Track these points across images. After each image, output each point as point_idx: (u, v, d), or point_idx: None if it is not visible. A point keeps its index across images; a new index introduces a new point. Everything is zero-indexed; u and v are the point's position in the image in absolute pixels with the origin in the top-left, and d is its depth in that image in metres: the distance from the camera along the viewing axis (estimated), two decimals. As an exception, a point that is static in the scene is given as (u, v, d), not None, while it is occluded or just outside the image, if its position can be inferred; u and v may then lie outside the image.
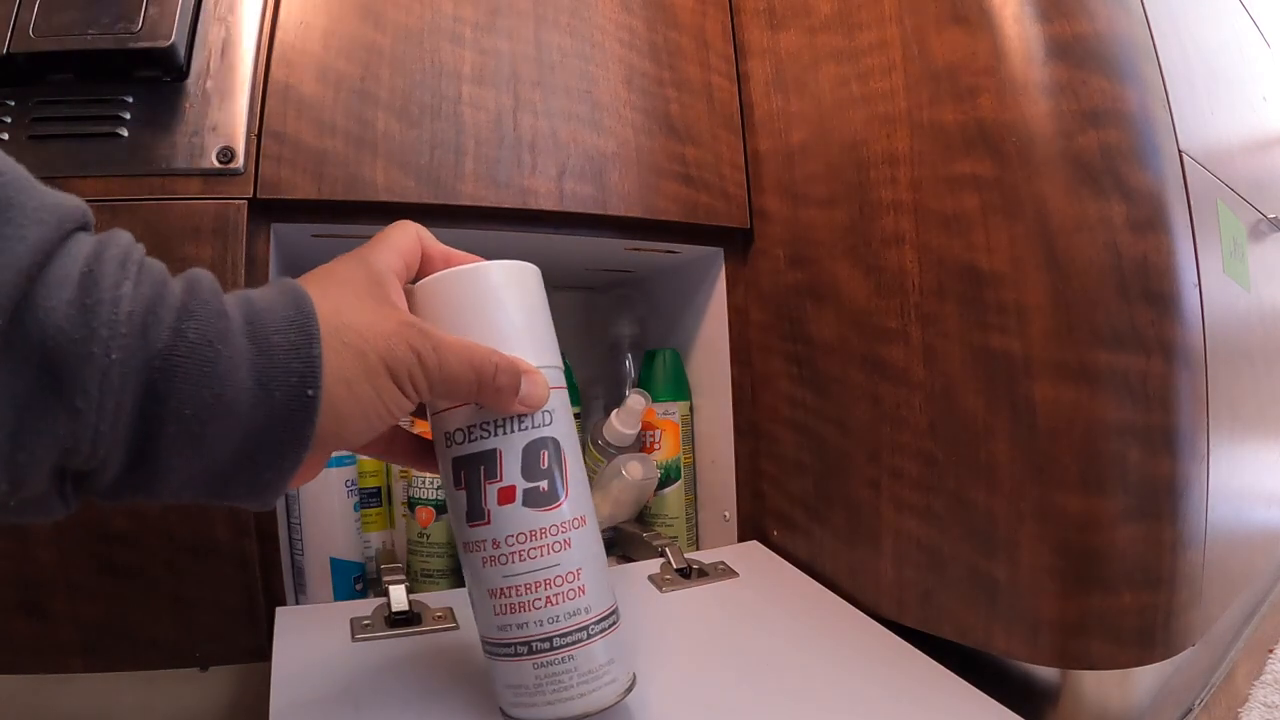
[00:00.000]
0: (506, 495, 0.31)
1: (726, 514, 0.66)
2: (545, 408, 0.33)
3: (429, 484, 0.56)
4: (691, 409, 0.71)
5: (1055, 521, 0.42)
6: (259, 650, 0.45)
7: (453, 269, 0.33)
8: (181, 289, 0.23)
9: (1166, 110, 0.45)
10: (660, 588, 0.53)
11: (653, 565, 0.56)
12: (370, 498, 0.60)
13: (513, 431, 0.32)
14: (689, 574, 0.55)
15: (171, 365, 0.22)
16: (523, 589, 0.31)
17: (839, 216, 0.55)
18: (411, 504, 0.57)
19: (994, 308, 0.44)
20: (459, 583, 0.56)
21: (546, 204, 0.54)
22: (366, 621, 0.45)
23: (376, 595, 0.51)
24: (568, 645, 0.31)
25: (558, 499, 0.32)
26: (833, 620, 0.51)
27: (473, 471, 0.32)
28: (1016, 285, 0.43)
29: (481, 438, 0.32)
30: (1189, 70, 0.52)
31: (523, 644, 0.31)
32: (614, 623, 0.34)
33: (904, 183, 0.49)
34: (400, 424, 0.35)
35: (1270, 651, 0.68)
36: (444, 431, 0.33)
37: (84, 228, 0.22)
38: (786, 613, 0.52)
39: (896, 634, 0.48)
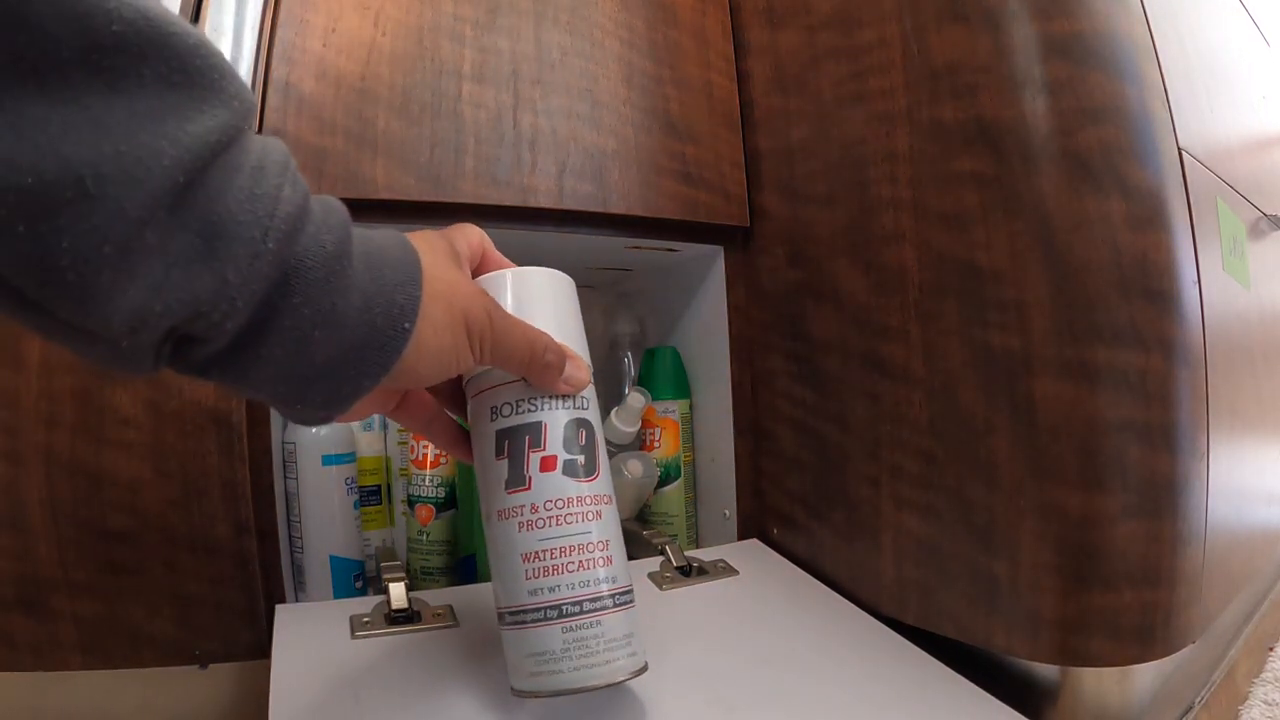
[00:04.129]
0: (549, 464, 0.34)
1: (726, 512, 0.66)
2: (584, 394, 0.36)
3: (429, 483, 0.56)
4: (691, 407, 0.71)
5: (1055, 519, 0.42)
6: (259, 648, 0.45)
7: (514, 268, 0.37)
8: (321, 207, 0.25)
9: (1166, 108, 0.45)
10: (660, 586, 0.53)
11: (653, 563, 0.56)
12: (370, 496, 0.60)
13: (556, 408, 0.35)
14: (689, 572, 0.55)
15: (306, 268, 0.24)
16: (558, 552, 0.33)
17: (839, 214, 0.55)
18: (411, 502, 0.57)
19: (994, 305, 0.44)
20: (458, 581, 0.56)
21: (546, 202, 0.54)
22: (366, 619, 0.45)
23: (376, 593, 0.51)
24: (597, 610, 0.33)
25: (594, 473, 0.35)
26: (833, 618, 0.51)
27: (517, 441, 0.34)
28: (1016, 282, 0.43)
29: (529, 410, 0.35)
30: (1188, 68, 0.52)
31: (553, 607, 0.33)
32: (633, 600, 0.36)
33: (904, 180, 0.49)
34: (445, 413, 0.38)
35: (1270, 650, 0.68)
36: (490, 406, 0.35)
37: (251, 123, 0.23)
38: (786, 611, 0.52)
39: (897, 632, 0.48)
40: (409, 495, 0.57)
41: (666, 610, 0.50)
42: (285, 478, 0.52)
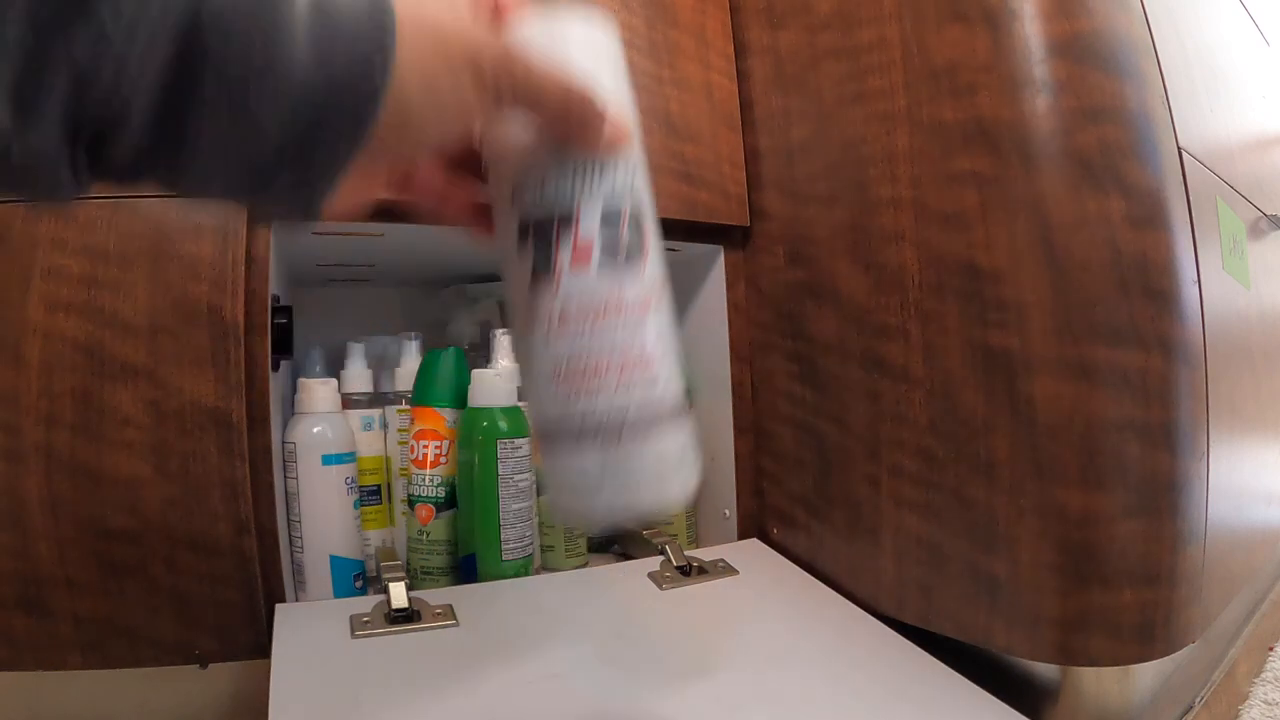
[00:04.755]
0: (582, 255, 0.27)
1: (726, 511, 0.66)
2: (629, 161, 0.29)
3: (429, 482, 0.56)
4: (691, 406, 0.71)
5: (1055, 518, 0.42)
6: (259, 647, 0.45)
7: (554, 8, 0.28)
8: None
9: (1166, 108, 0.45)
10: (660, 585, 0.53)
11: (652, 563, 0.56)
12: (370, 495, 0.60)
13: (595, 180, 0.27)
14: (689, 571, 0.55)
15: (220, 14, 0.18)
16: (592, 366, 0.27)
17: (839, 214, 0.55)
18: (411, 501, 0.57)
19: (993, 304, 0.44)
20: (458, 580, 0.56)
21: (546, 201, 0.54)
22: (366, 619, 0.45)
23: (376, 593, 0.51)
24: (639, 427, 0.28)
25: (638, 263, 0.29)
26: (832, 617, 0.51)
27: (543, 227, 0.27)
28: (1016, 282, 0.43)
29: (558, 186, 0.27)
30: (1188, 68, 0.52)
31: (589, 427, 0.27)
32: (683, 414, 0.30)
33: (903, 180, 0.49)
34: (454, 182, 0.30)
35: (1270, 649, 0.68)
36: (509, 181, 0.28)
37: None
38: (786, 610, 0.52)
39: (896, 631, 0.48)
40: (409, 495, 0.57)
41: (666, 610, 0.50)
42: (285, 477, 0.52)
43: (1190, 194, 0.45)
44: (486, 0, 0.27)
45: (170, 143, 0.19)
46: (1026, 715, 0.39)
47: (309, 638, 0.43)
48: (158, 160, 0.20)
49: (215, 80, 0.19)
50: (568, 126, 0.26)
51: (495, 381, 0.55)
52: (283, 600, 0.48)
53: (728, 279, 0.66)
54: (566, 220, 0.27)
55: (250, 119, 0.19)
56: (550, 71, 0.25)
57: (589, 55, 0.28)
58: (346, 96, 0.20)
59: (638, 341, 0.28)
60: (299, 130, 0.20)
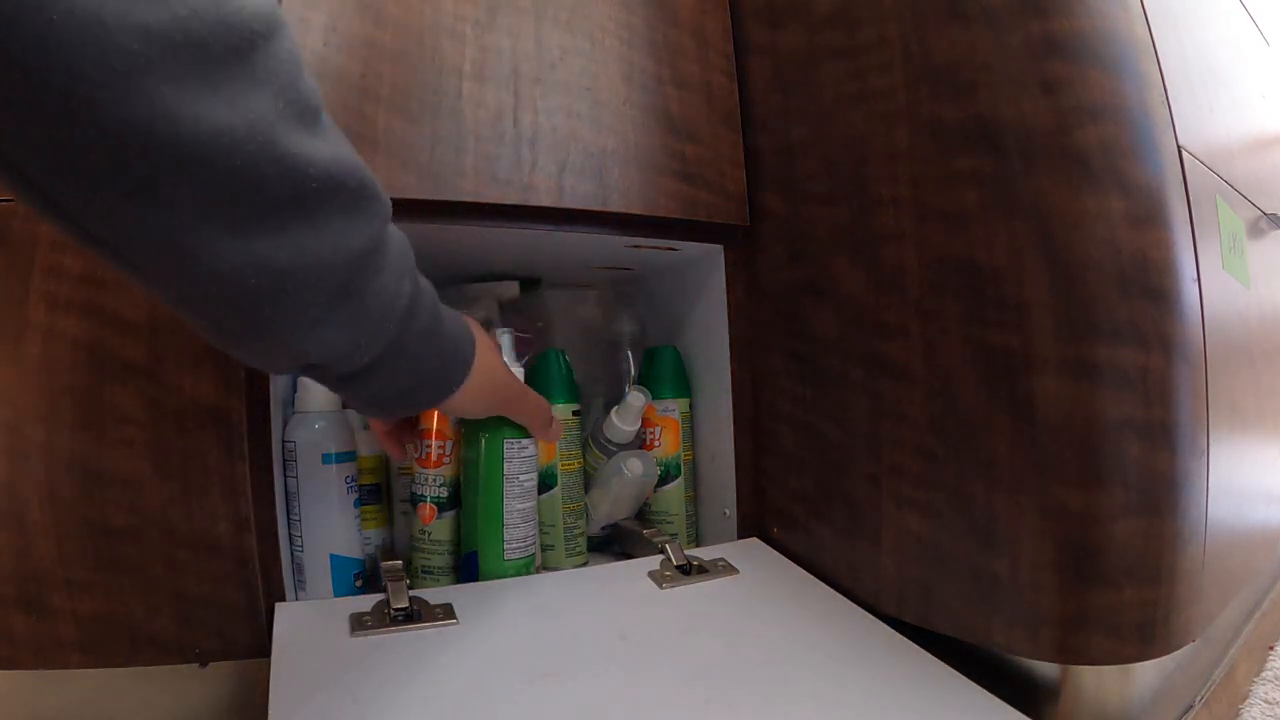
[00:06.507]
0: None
1: (726, 511, 0.66)
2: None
3: (432, 482, 0.56)
4: (692, 406, 0.71)
5: (1055, 517, 0.42)
6: (259, 646, 0.45)
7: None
8: (423, 293, 0.37)
9: (1165, 106, 0.45)
10: (660, 584, 0.53)
11: (653, 562, 0.56)
12: (370, 494, 0.60)
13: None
14: (689, 571, 0.55)
15: (409, 338, 0.36)
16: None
17: (839, 213, 0.55)
18: (414, 500, 0.57)
19: (993, 303, 0.44)
20: (459, 579, 0.56)
21: (546, 200, 0.54)
22: (366, 618, 0.45)
23: (376, 591, 0.50)
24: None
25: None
26: (833, 617, 0.51)
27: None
28: (1016, 281, 0.43)
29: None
30: (1187, 67, 0.52)
31: None
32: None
33: (903, 179, 0.49)
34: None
35: (1271, 649, 0.68)
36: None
37: (387, 220, 0.33)
38: (786, 609, 0.52)
39: (897, 630, 0.48)
40: (412, 494, 0.57)
41: (666, 609, 0.50)
42: (285, 476, 0.52)
43: (1190, 193, 0.45)
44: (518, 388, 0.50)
45: (356, 383, 0.36)
46: (1026, 714, 0.39)
47: (309, 637, 0.43)
48: (346, 384, 0.36)
49: (392, 366, 0.36)
50: (537, 431, 0.53)
51: None
52: (283, 599, 0.48)
53: (728, 278, 0.66)
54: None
55: (398, 385, 0.37)
56: (535, 412, 0.51)
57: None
58: (438, 391, 0.40)
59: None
60: (411, 396, 0.39)
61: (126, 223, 0.23)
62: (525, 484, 0.54)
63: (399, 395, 0.38)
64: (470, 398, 0.42)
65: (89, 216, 0.23)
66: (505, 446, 0.53)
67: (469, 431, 0.54)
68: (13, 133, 0.21)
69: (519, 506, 0.54)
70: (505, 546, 0.53)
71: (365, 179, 0.30)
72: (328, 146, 0.27)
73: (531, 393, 0.51)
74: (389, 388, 0.37)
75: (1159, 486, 0.41)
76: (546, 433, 0.52)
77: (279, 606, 0.46)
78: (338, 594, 0.53)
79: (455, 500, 0.56)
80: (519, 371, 0.60)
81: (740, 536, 0.65)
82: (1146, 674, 0.44)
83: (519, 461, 0.53)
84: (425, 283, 0.37)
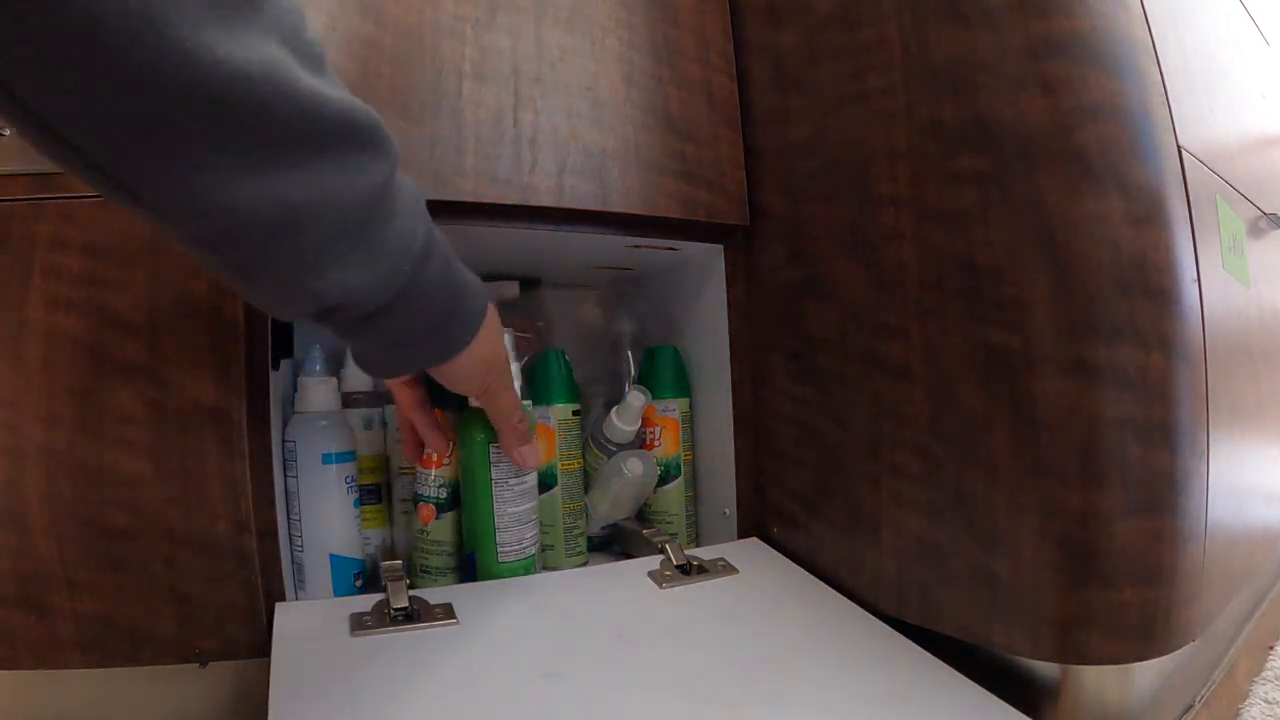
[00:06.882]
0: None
1: (726, 510, 0.66)
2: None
3: (432, 482, 0.56)
4: (692, 406, 0.71)
5: (1055, 516, 0.42)
6: (259, 646, 0.45)
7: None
8: (438, 240, 0.37)
9: (1165, 106, 0.45)
10: (660, 584, 0.53)
11: (653, 562, 0.56)
12: (370, 494, 0.60)
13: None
14: (689, 570, 0.55)
15: (424, 281, 0.36)
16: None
17: (839, 213, 0.55)
18: (415, 500, 0.57)
19: (993, 303, 0.44)
20: (459, 579, 0.56)
21: (547, 200, 0.54)
22: (366, 617, 0.45)
23: (376, 591, 0.50)
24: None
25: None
26: (833, 617, 0.51)
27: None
28: (1016, 280, 0.43)
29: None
30: (1188, 67, 0.52)
31: None
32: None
33: (903, 179, 0.49)
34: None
35: (1271, 648, 0.68)
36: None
37: (397, 164, 0.33)
38: (786, 609, 0.52)
39: (897, 630, 0.48)
40: (415, 494, 0.57)
41: (666, 608, 0.50)
42: (285, 476, 0.52)
43: (1190, 193, 0.45)
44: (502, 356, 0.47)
45: (367, 326, 0.36)
46: (1027, 714, 0.39)
47: (309, 636, 0.43)
48: (356, 327, 0.36)
49: (405, 310, 0.36)
50: (503, 431, 0.50)
51: None
52: (282, 599, 0.48)
53: (728, 278, 0.66)
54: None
55: (409, 330, 0.37)
56: (506, 409, 0.48)
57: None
58: (447, 343, 0.40)
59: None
60: (420, 345, 0.39)
61: (145, 162, 0.24)
62: (517, 488, 0.54)
63: (413, 341, 0.38)
64: (473, 361, 0.41)
65: (109, 159, 0.24)
66: (491, 452, 0.52)
67: (462, 435, 0.54)
68: (33, 78, 0.21)
69: (511, 510, 0.53)
70: (499, 550, 0.53)
71: (376, 120, 0.30)
72: (337, 90, 0.28)
73: (515, 388, 0.50)
74: (404, 331, 0.37)
75: (1159, 486, 0.41)
76: (509, 430, 0.49)
77: (279, 606, 0.46)
78: (338, 594, 0.53)
79: (455, 501, 0.56)
80: (516, 370, 0.59)
81: (740, 536, 0.65)
82: (1146, 674, 0.44)
83: (506, 466, 0.53)
84: (439, 232, 0.37)
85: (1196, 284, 0.43)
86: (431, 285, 0.36)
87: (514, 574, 0.53)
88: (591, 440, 0.69)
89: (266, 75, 0.24)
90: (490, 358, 0.43)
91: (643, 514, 0.71)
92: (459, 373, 0.42)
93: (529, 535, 0.55)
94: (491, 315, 0.43)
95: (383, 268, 0.32)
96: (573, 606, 0.50)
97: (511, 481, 0.53)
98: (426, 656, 0.42)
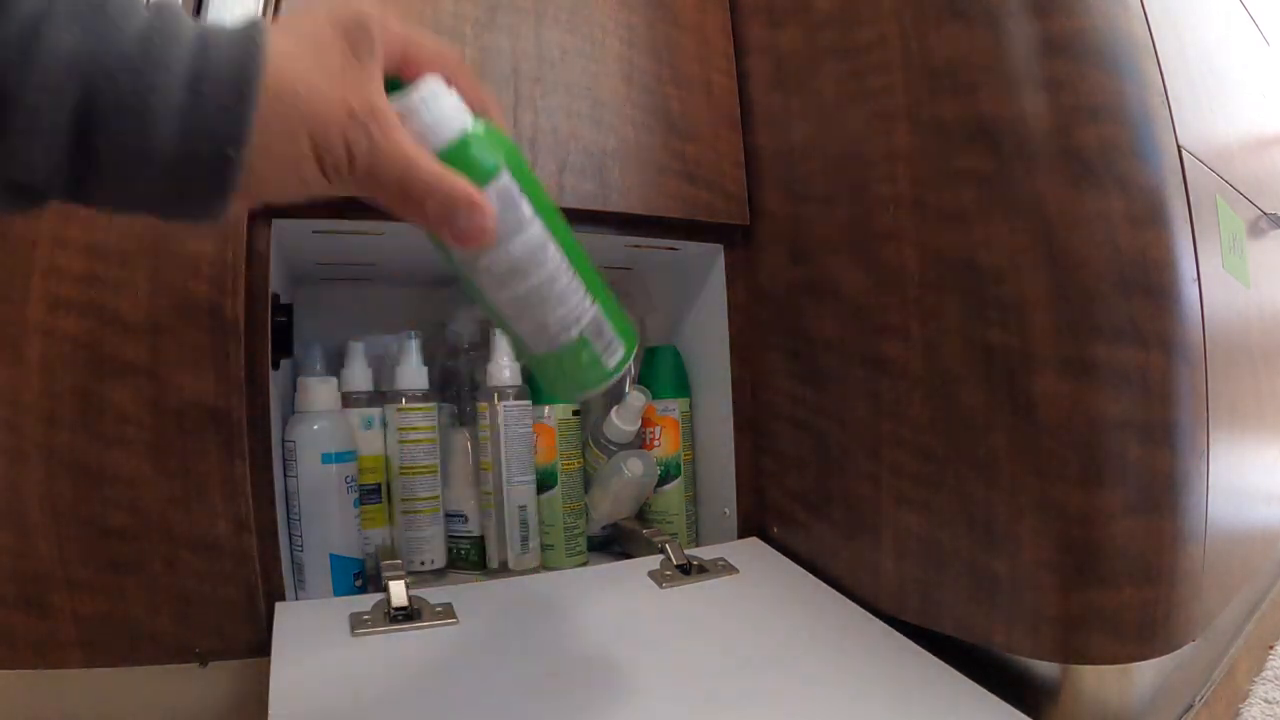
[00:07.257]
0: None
1: (726, 510, 0.66)
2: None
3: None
4: (692, 406, 0.71)
5: (1055, 516, 0.42)
6: (259, 646, 0.45)
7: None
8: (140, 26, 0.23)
9: (1165, 106, 0.45)
10: (660, 584, 0.53)
11: (652, 562, 0.56)
12: (370, 494, 0.60)
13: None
14: (689, 570, 0.55)
15: (105, 113, 0.22)
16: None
17: (839, 213, 0.55)
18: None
19: (993, 303, 0.44)
20: (459, 580, 0.56)
21: (546, 200, 0.54)
22: (366, 617, 0.45)
23: (376, 591, 0.50)
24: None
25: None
26: (833, 616, 0.51)
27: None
28: (1016, 280, 0.43)
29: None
30: (1188, 67, 0.52)
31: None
32: None
33: (904, 179, 0.49)
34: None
35: (1271, 648, 0.68)
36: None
37: None
38: (786, 609, 0.52)
39: (897, 630, 0.48)
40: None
41: (666, 609, 0.50)
42: (285, 475, 0.52)
43: (1190, 192, 0.45)
44: (394, 50, 0.29)
45: (82, 190, 0.24)
46: (1026, 714, 0.39)
47: (309, 636, 0.43)
48: (72, 197, 0.24)
49: (106, 158, 0.23)
50: (407, 216, 0.28)
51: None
52: (282, 598, 0.48)
53: (728, 278, 0.66)
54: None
55: (135, 181, 0.24)
56: (396, 170, 0.27)
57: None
58: (206, 172, 0.24)
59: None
60: (174, 194, 0.24)
61: None
62: (503, 264, 0.32)
63: (156, 194, 0.24)
64: (272, 167, 0.25)
65: None
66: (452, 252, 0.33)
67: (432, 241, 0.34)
68: None
69: (507, 295, 0.33)
70: (529, 344, 0.36)
71: None
72: None
73: (404, 145, 0.27)
74: (129, 184, 0.24)
75: (1159, 486, 0.41)
76: (426, 206, 0.27)
77: (279, 606, 0.46)
78: (338, 594, 0.53)
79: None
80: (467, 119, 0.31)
81: (740, 536, 0.65)
82: (1146, 673, 0.44)
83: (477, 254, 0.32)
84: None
85: (1196, 284, 0.43)
86: (116, 85, 0.22)
87: (578, 356, 0.37)
88: (591, 440, 0.69)
89: None
90: (302, 125, 0.25)
91: (643, 514, 0.71)
92: (274, 193, 0.26)
93: (561, 312, 0.34)
94: (290, 54, 0.25)
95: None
96: (573, 606, 0.50)
97: (485, 263, 0.32)
98: (426, 656, 0.42)
